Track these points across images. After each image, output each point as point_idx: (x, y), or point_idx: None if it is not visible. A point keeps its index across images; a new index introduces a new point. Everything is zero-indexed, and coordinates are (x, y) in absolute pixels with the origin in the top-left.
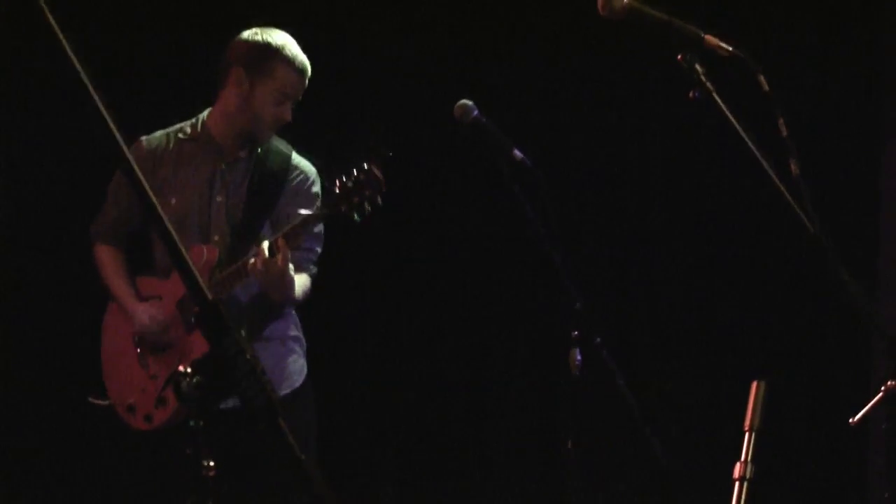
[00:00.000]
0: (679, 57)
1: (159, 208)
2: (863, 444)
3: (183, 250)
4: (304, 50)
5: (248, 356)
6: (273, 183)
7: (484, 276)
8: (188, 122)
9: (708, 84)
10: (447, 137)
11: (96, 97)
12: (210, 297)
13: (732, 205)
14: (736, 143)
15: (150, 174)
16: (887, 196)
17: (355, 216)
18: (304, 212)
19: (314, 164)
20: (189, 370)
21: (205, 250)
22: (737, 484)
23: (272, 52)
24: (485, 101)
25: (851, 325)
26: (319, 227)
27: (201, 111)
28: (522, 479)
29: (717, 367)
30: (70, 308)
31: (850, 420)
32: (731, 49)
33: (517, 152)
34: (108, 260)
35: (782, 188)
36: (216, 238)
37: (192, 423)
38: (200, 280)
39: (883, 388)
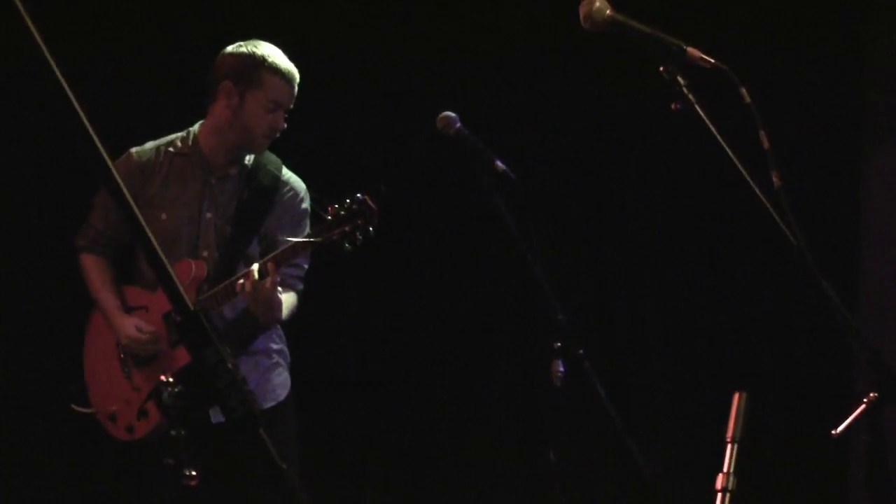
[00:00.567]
0: (661, 69)
1: (142, 221)
2: (844, 455)
3: (165, 261)
4: (290, 60)
5: (229, 366)
6: (263, 200)
7: (466, 287)
8: (179, 136)
9: (690, 96)
10: (430, 149)
11: (82, 114)
12: (192, 307)
13: (714, 216)
14: (718, 155)
15: (139, 188)
16: (868, 208)
17: (346, 245)
18: (294, 239)
19: (304, 179)
20: (171, 380)
21: (193, 265)
22: (719, 495)
23: (259, 63)
24: (467, 112)
25: (833, 336)
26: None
27: (193, 121)
28: (505, 490)
29: (699, 378)
30: (53, 313)
31: (832, 432)
32: (713, 61)
33: (499, 164)
34: (93, 270)
35: (764, 200)
36: (205, 254)
37: (173, 432)
38: (182, 290)
39: (865, 399)
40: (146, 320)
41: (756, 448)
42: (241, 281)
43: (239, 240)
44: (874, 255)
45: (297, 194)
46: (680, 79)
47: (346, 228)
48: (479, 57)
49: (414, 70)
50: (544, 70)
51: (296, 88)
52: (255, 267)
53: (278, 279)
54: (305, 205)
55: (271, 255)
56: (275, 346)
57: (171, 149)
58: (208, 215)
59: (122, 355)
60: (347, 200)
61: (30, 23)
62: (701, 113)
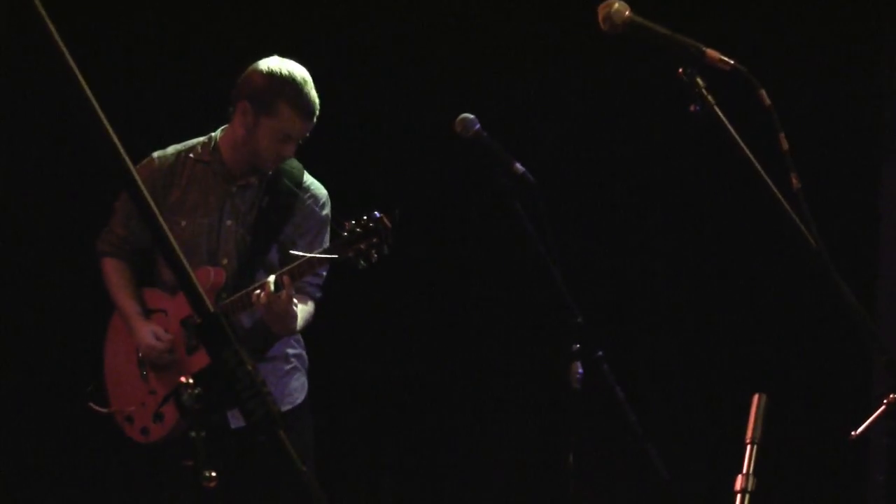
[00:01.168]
0: (680, 71)
1: (163, 224)
2: (863, 457)
3: (185, 263)
4: (305, 64)
5: (248, 368)
6: (283, 208)
7: (484, 289)
8: (200, 141)
9: (709, 98)
10: (448, 151)
11: (104, 119)
12: (211, 309)
13: (733, 219)
14: (737, 157)
15: (160, 193)
16: (887, 210)
17: (361, 262)
18: (309, 254)
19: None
20: (191, 381)
21: (212, 272)
22: (738, 496)
23: (278, 91)
24: (486, 115)
25: (852, 338)
26: (323, 241)
27: (217, 125)
28: (523, 493)
29: (718, 380)
30: (74, 312)
31: (851, 434)
32: (732, 63)
33: (518, 166)
34: (114, 274)
35: (783, 202)
36: (224, 262)
37: (192, 434)
38: (202, 292)
39: (884, 402)
40: (164, 324)
41: (775, 450)
42: (257, 292)
43: (258, 248)
44: (893, 257)
45: (317, 201)
46: (699, 80)
47: (362, 246)
48: (497, 59)
49: (432, 72)
50: (563, 72)
51: (312, 122)
52: (272, 279)
53: (293, 292)
54: (326, 211)
55: (287, 268)
56: (292, 351)
57: (191, 155)
58: (228, 223)
59: (139, 358)
60: (364, 217)
61: (51, 26)
62: (720, 114)
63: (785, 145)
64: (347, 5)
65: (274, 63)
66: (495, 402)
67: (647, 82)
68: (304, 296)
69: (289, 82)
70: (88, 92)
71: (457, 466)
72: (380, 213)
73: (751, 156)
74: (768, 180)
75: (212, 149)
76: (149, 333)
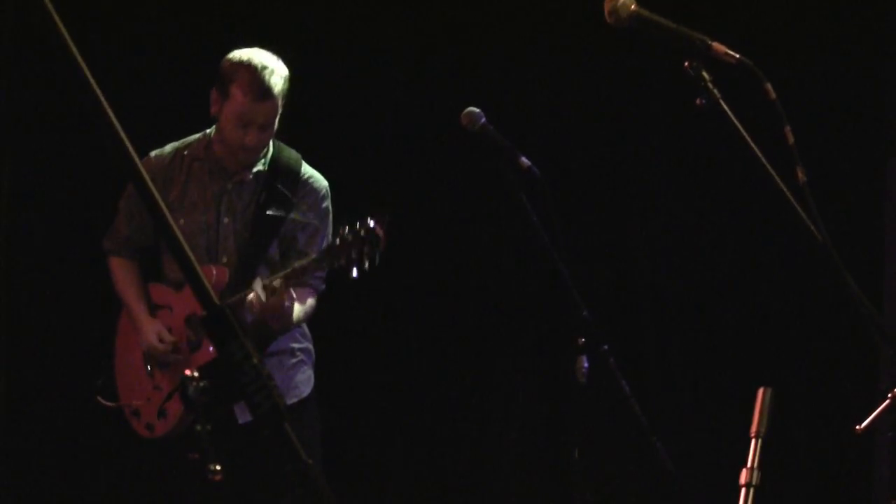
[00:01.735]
0: (686, 64)
1: (170, 219)
2: (868, 451)
3: (191, 256)
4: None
5: (254, 361)
6: (281, 203)
7: (490, 283)
8: (196, 138)
9: (715, 91)
10: (454, 145)
11: (110, 112)
12: (217, 301)
13: (739, 212)
14: (742, 151)
15: (160, 192)
16: (893, 203)
17: (354, 271)
18: (300, 263)
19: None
20: (196, 374)
21: (214, 271)
22: (743, 490)
23: (232, 75)
24: (492, 108)
25: (858, 332)
26: (323, 242)
27: (212, 122)
28: (529, 486)
29: (724, 374)
30: (85, 306)
31: (857, 427)
32: (738, 56)
33: (524, 160)
34: (120, 273)
35: (789, 196)
36: (224, 259)
37: (198, 427)
38: (209, 285)
39: (889, 395)
40: (169, 320)
41: (780, 443)
42: (251, 297)
43: (258, 244)
44: None
45: (317, 194)
46: (705, 74)
47: (353, 254)
48: (504, 53)
49: (438, 66)
50: (569, 65)
51: (269, 105)
52: (259, 286)
53: (290, 291)
54: (326, 203)
55: (278, 275)
56: (297, 345)
57: (187, 152)
58: (226, 220)
59: (145, 354)
60: (357, 224)
61: (60, 24)
62: (726, 108)
63: (790, 139)
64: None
65: (238, 51)
66: (501, 395)
67: (653, 76)
68: (307, 288)
69: (244, 66)
70: (94, 83)
71: (463, 460)
72: (373, 220)
73: (756, 149)
74: (774, 174)
75: (206, 145)
76: (152, 333)
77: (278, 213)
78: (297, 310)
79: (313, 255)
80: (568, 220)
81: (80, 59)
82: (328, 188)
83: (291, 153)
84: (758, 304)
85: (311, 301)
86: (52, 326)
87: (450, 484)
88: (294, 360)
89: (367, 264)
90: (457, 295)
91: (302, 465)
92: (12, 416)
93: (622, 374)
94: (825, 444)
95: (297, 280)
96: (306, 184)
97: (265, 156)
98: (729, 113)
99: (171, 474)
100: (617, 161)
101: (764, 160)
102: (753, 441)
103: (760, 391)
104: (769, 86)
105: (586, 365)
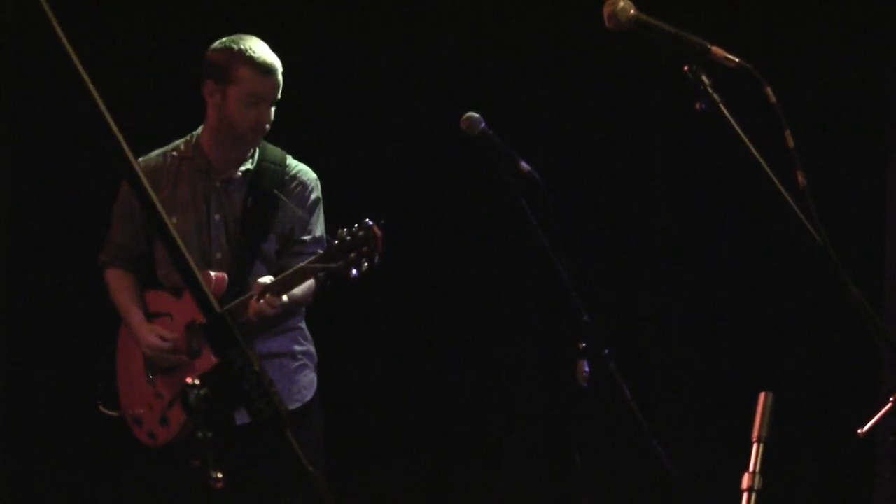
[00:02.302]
0: (685, 68)
1: (167, 220)
2: (870, 455)
3: (190, 259)
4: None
5: (255, 368)
6: (270, 198)
7: (491, 288)
8: (183, 140)
9: (715, 95)
10: (454, 150)
11: (105, 111)
12: (218, 308)
13: (739, 216)
14: (743, 155)
15: None
16: (893, 207)
17: (352, 272)
18: (298, 265)
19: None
20: (197, 382)
21: (213, 278)
22: (745, 495)
23: (234, 57)
24: (492, 113)
25: (858, 335)
26: (320, 231)
27: (196, 126)
28: (530, 492)
29: (725, 378)
30: (87, 313)
31: (859, 431)
32: (737, 60)
33: (524, 164)
34: (116, 283)
35: (790, 199)
36: (218, 256)
37: (199, 434)
38: (208, 291)
39: (891, 398)
40: (168, 328)
41: (782, 448)
42: (253, 301)
43: (251, 239)
44: None
45: (305, 187)
46: (704, 78)
47: (352, 255)
48: (503, 57)
49: (438, 70)
50: (568, 70)
51: (277, 79)
52: (262, 289)
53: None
54: (317, 194)
55: (276, 280)
56: (299, 348)
57: (175, 153)
58: (216, 217)
59: (146, 361)
60: (355, 226)
61: (57, 27)
62: (726, 112)
63: (791, 142)
64: (355, 3)
65: (220, 41)
66: (502, 400)
67: (653, 80)
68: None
69: (241, 48)
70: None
71: (464, 465)
72: (370, 220)
73: (756, 153)
74: (774, 178)
75: (193, 145)
76: (151, 335)
77: (268, 209)
78: (302, 289)
79: (312, 253)
80: (568, 224)
81: (76, 59)
82: (317, 179)
83: (277, 150)
84: (759, 307)
85: (310, 285)
86: (54, 333)
87: (451, 488)
88: (296, 364)
89: (365, 266)
90: (457, 300)
91: (303, 472)
92: (14, 423)
93: (623, 379)
94: (827, 448)
95: (295, 285)
96: (294, 177)
97: (252, 155)
98: (729, 117)
99: (173, 482)
100: (617, 165)
101: (764, 164)
102: (755, 445)
103: (762, 395)
104: (769, 89)
105: (587, 369)
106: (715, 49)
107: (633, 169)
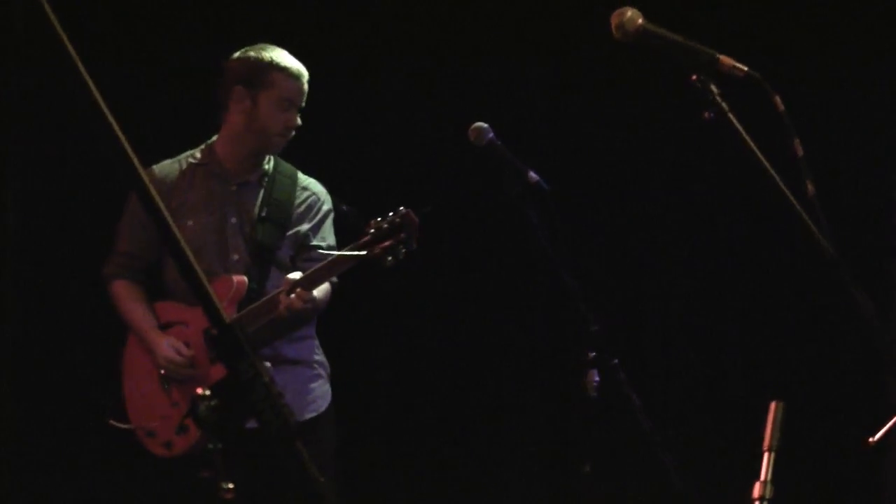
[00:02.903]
0: (693, 77)
1: (175, 230)
2: (879, 464)
3: (199, 271)
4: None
5: (264, 380)
6: (284, 206)
7: (500, 297)
8: (197, 149)
9: (723, 104)
10: (462, 160)
11: (112, 120)
12: (227, 320)
13: (747, 225)
14: (751, 164)
15: (165, 200)
16: None
17: (388, 259)
18: (338, 252)
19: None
20: (207, 393)
21: (234, 282)
22: None
23: (267, 64)
24: (499, 123)
25: (868, 345)
26: (332, 240)
27: (207, 138)
28: (539, 501)
29: (735, 388)
30: (94, 326)
31: (869, 440)
32: (745, 69)
33: (532, 174)
34: (125, 294)
35: (799, 209)
36: (235, 257)
37: (210, 446)
38: (218, 302)
39: None
40: (185, 335)
41: (792, 457)
42: (281, 297)
43: (269, 243)
44: None
45: (318, 198)
46: (713, 87)
47: (389, 243)
48: (511, 67)
49: (446, 80)
50: (576, 80)
51: (306, 85)
52: (294, 276)
53: (309, 301)
54: (328, 206)
55: (314, 269)
56: (317, 357)
57: (190, 160)
58: (233, 220)
59: (161, 372)
60: (390, 214)
61: (64, 37)
62: (734, 121)
63: (800, 151)
64: (362, 11)
65: (250, 47)
66: (511, 410)
67: (660, 90)
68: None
69: (272, 53)
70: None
71: (473, 475)
72: (405, 208)
73: (765, 162)
74: (783, 187)
75: (208, 152)
76: (168, 348)
77: (284, 213)
78: (320, 293)
79: (329, 235)
80: (577, 234)
81: (81, 67)
82: (327, 193)
83: (288, 165)
84: (768, 318)
85: (328, 288)
86: (62, 341)
87: (459, 498)
88: (313, 373)
89: (402, 252)
90: (466, 310)
91: (312, 483)
92: (21, 434)
93: (632, 388)
94: (837, 458)
95: (332, 274)
96: (306, 188)
97: (268, 163)
98: (738, 126)
99: (183, 493)
100: (626, 175)
101: (773, 173)
102: (766, 455)
103: (772, 405)
104: (778, 98)
105: (597, 379)
106: (723, 58)
107: (641, 178)
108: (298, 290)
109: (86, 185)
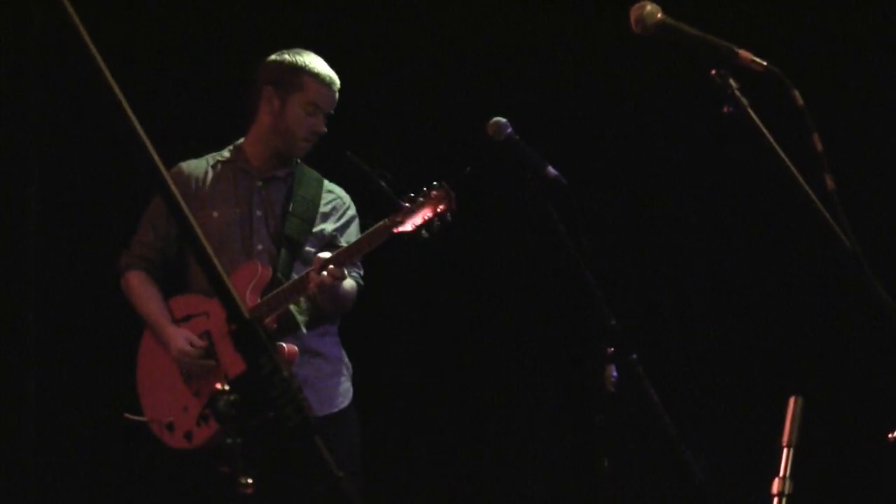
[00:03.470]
0: (713, 72)
1: (194, 224)
2: None
3: (218, 265)
4: (336, 69)
5: (284, 374)
6: (310, 204)
7: (518, 293)
8: (225, 149)
9: (742, 99)
10: (480, 155)
11: (133, 118)
12: (246, 315)
13: (767, 221)
14: (770, 159)
15: (192, 195)
16: None
17: (423, 234)
18: (380, 223)
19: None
20: (227, 388)
21: (259, 269)
22: (775, 500)
23: (299, 67)
24: (518, 118)
25: (888, 340)
26: (357, 235)
27: (234, 140)
28: (558, 496)
29: (754, 383)
30: (108, 320)
31: (889, 435)
32: (765, 64)
33: (551, 169)
34: (139, 286)
35: (818, 204)
36: (259, 248)
37: (229, 440)
38: (237, 297)
39: None
40: (206, 325)
41: (812, 452)
42: (312, 276)
43: (294, 236)
44: None
45: (343, 202)
46: (732, 82)
47: (428, 215)
48: (529, 61)
49: (464, 75)
50: (595, 74)
51: (336, 94)
52: (324, 255)
53: (340, 278)
54: (353, 212)
55: (341, 251)
56: (339, 354)
57: (218, 157)
58: (258, 213)
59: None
60: (425, 188)
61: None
62: (753, 116)
63: (819, 146)
64: (382, 8)
65: (284, 50)
66: (530, 405)
67: (681, 84)
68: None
69: (305, 57)
70: (119, 92)
71: (491, 470)
72: (440, 181)
73: (784, 157)
74: (802, 181)
75: (236, 151)
76: (182, 339)
77: (309, 213)
78: (349, 291)
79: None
80: (595, 229)
81: (104, 67)
82: (351, 200)
83: (313, 171)
84: (788, 312)
85: (355, 286)
86: (78, 335)
87: (478, 494)
88: (333, 369)
89: (438, 225)
90: (484, 305)
91: (332, 479)
92: (41, 434)
93: (651, 384)
94: (857, 453)
95: (370, 247)
96: (330, 192)
97: (295, 163)
98: (757, 121)
99: (201, 488)
100: (645, 169)
101: (792, 168)
102: (785, 450)
103: (791, 400)
104: (797, 93)
105: (615, 374)
106: (742, 52)
107: (661, 173)
108: (330, 266)
109: (106, 185)
